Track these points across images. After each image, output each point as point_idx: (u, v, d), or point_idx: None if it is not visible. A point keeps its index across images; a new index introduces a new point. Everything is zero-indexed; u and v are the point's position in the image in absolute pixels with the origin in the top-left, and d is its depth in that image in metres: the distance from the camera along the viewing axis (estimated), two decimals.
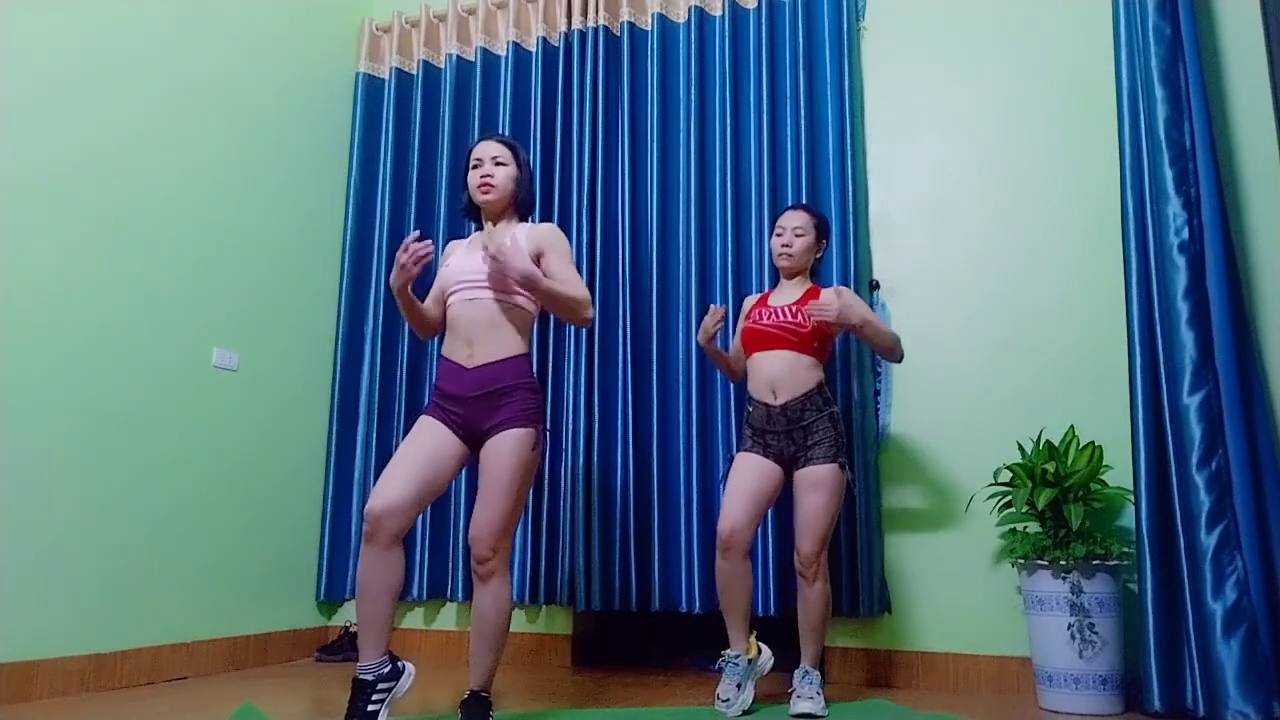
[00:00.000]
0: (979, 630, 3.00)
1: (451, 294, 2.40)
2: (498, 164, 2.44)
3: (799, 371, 2.69)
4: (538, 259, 2.38)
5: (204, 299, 3.32)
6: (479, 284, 2.35)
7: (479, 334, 2.33)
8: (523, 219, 2.53)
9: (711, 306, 2.85)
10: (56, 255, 2.84)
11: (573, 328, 3.45)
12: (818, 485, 2.61)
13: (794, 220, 2.82)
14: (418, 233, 2.37)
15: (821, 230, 2.85)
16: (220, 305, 3.38)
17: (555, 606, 3.48)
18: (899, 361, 2.84)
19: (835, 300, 2.61)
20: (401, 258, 2.29)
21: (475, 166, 2.45)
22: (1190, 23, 2.83)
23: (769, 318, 2.75)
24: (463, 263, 2.42)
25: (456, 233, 3.81)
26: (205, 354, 3.31)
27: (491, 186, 2.42)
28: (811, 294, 2.78)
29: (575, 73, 3.70)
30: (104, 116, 3.01)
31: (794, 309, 2.73)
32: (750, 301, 2.94)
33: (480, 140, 2.51)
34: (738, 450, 2.77)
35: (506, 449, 2.27)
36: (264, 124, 3.65)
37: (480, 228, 2.54)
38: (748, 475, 2.67)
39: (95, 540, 2.88)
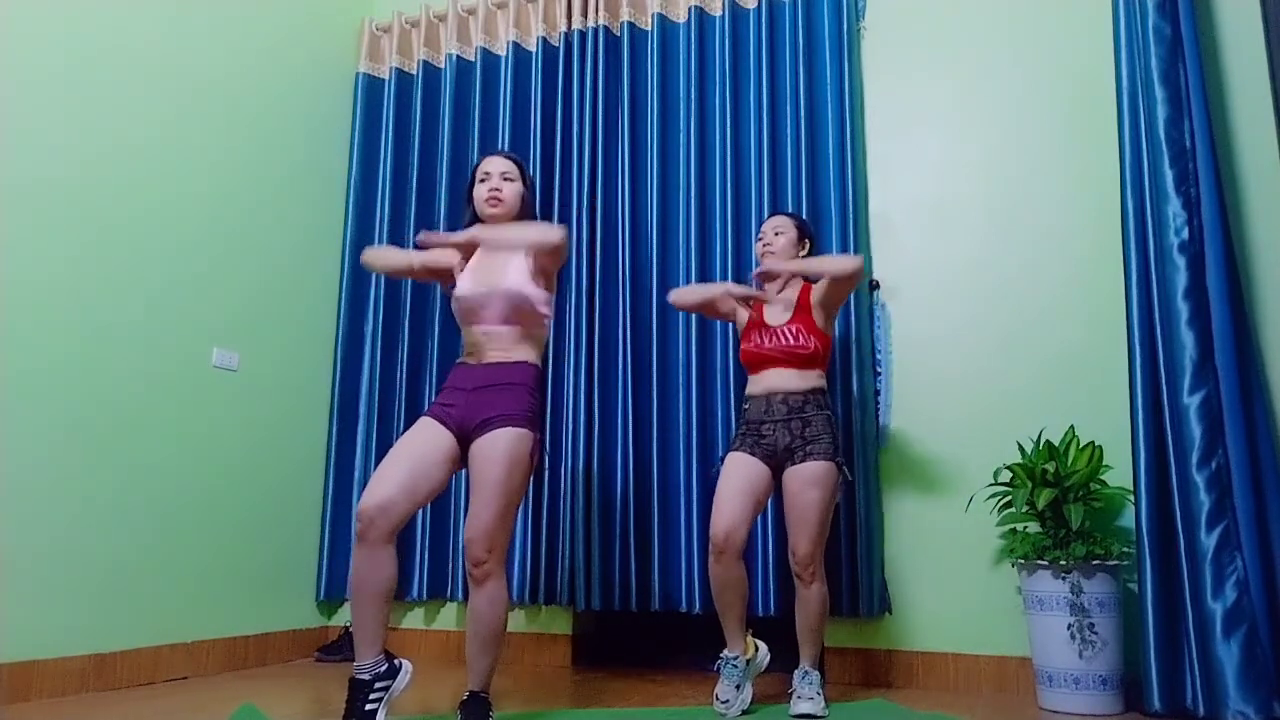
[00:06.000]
0: (979, 630, 2.99)
1: (467, 326, 2.42)
2: (506, 179, 2.46)
3: (804, 378, 2.70)
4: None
5: (204, 299, 3.32)
6: (492, 319, 2.37)
7: (493, 352, 2.38)
8: None
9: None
10: (56, 255, 2.84)
11: (573, 329, 3.48)
12: (814, 482, 2.59)
13: (772, 223, 2.88)
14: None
15: (803, 231, 2.86)
16: (220, 305, 3.38)
17: (555, 606, 3.47)
18: (859, 269, 2.64)
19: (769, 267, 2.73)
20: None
21: (483, 180, 2.47)
22: (1190, 23, 2.83)
23: (770, 341, 2.73)
24: (471, 285, 2.40)
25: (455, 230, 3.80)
26: (205, 354, 3.31)
27: (500, 201, 2.44)
28: (804, 294, 2.78)
29: (575, 73, 3.70)
30: (103, 116, 3.01)
31: (795, 329, 2.71)
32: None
33: (488, 155, 2.53)
34: (728, 451, 2.74)
35: (500, 446, 2.26)
36: (264, 124, 3.65)
37: None
38: (739, 476, 2.63)
39: (95, 540, 2.88)
